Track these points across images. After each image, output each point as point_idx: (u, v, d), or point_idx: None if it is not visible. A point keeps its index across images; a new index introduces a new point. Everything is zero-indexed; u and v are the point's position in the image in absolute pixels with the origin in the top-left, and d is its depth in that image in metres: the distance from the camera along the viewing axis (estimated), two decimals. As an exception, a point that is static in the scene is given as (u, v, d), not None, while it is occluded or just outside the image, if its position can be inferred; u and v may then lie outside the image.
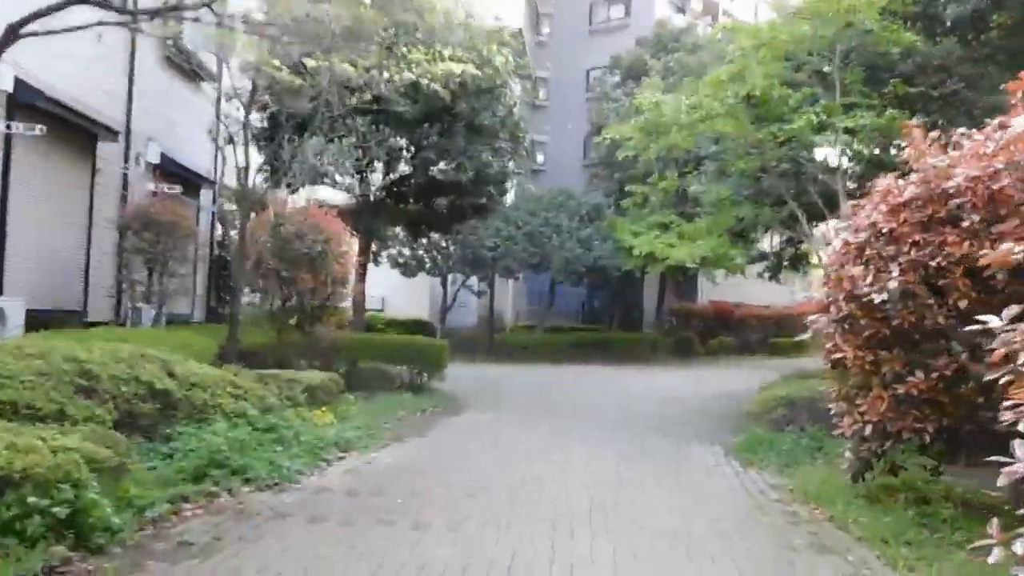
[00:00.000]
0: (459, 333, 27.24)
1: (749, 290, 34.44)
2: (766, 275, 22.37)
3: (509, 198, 26.53)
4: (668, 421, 13.15)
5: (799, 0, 12.90)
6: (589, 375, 21.89)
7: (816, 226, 15.21)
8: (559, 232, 25.66)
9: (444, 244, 24.26)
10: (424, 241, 24.27)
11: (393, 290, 26.44)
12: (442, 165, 14.73)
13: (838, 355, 6.96)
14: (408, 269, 24.31)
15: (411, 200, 16.72)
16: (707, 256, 26.71)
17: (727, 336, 33.83)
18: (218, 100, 14.45)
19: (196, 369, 8.57)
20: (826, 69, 12.42)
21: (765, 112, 12.60)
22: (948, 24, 13.11)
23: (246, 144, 11.86)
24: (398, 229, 23.92)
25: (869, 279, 6.38)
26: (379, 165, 15.96)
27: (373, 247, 24.63)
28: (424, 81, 13.67)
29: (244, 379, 9.36)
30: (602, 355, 27.67)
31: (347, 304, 15.44)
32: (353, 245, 15.43)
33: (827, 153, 11.77)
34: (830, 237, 17.97)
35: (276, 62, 12.07)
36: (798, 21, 12.29)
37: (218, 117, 14.18)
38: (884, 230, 6.50)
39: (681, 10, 35.38)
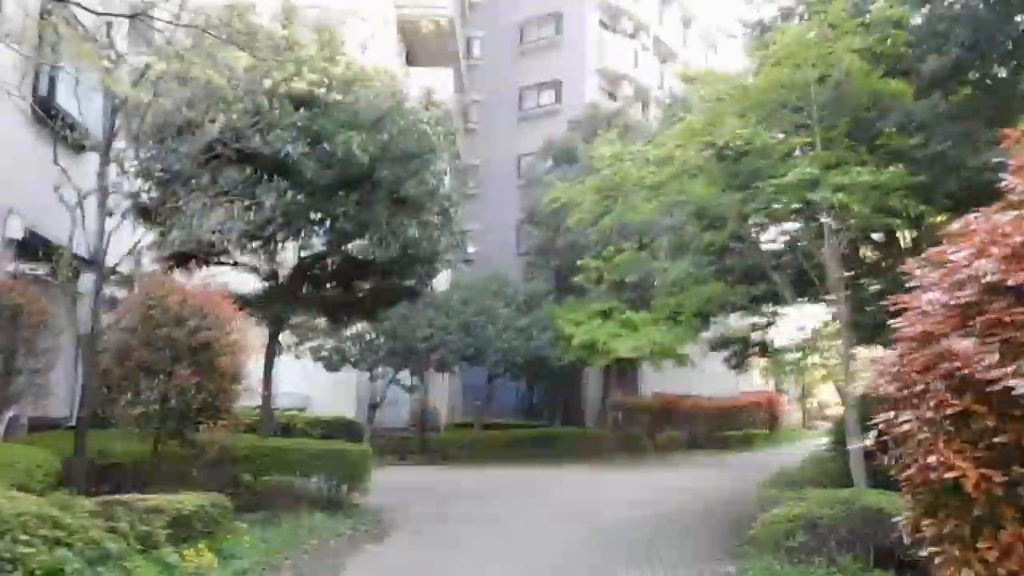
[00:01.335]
0: (389, 433, 24.44)
1: (693, 380, 32.53)
2: (728, 364, 20.18)
3: (442, 281, 24.33)
4: (640, 542, 10.62)
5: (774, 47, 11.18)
6: (533, 478, 19.28)
7: (799, 302, 13.29)
8: (495, 321, 23.39)
9: (371, 335, 21.74)
10: (350, 331, 21.72)
11: (318, 386, 23.57)
12: (361, 241, 12.33)
13: (941, 473, 4.41)
14: (331, 362, 21.61)
15: (329, 283, 14.29)
16: (653, 348, 25.01)
17: (674, 430, 31.68)
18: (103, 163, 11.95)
19: (-7, 503, 5.87)
20: (807, 121, 10.65)
21: (745, 166, 10.70)
22: (927, 78, 11.58)
23: (102, 207, 9.39)
24: (320, 319, 21.44)
25: (992, 357, 4.06)
26: (290, 244, 13.56)
27: (294, 339, 22.04)
28: (339, 137, 11.44)
29: (77, 513, 6.63)
30: (545, 453, 25.13)
31: (250, 403, 12.77)
32: (257, 333, 12.86)
33: (822, 215, 9.83)
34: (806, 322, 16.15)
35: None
36: (769, 69, 10.59)
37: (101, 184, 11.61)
38: (1009, 283, 4.16)
39: (612, 96, 34.40)
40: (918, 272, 4.87)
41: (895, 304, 4.83)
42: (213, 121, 10.64)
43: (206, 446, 10.24)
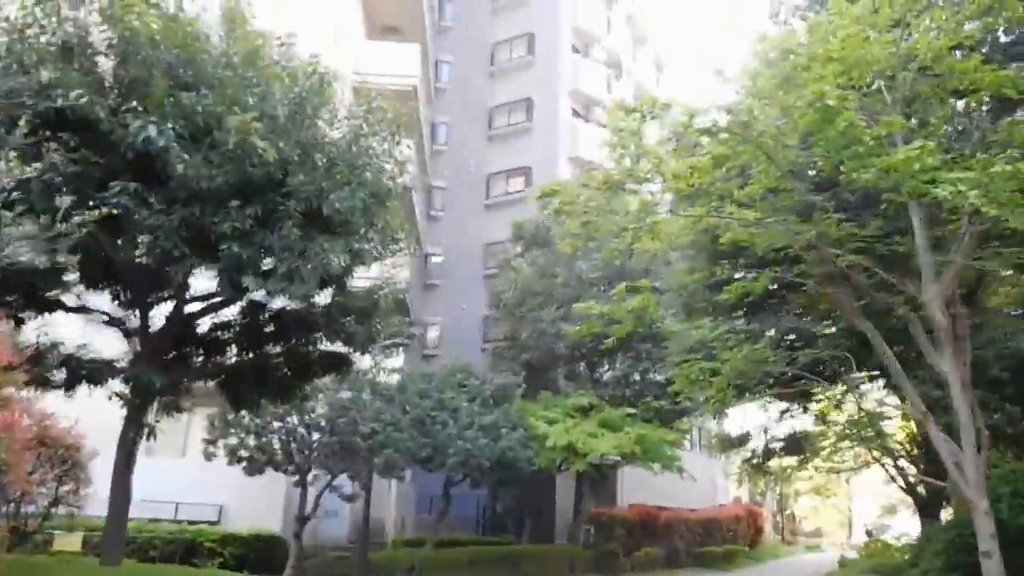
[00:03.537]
0: (324, 551, 19.46)
1: (671, 489, 27.96)
2: (744, 473, 15.79)
3: (395, 367, 19.90)
4: None
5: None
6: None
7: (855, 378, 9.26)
8: (457, 417, 18.91)
9: (304, 430, 17.12)
10: (278, 426, 17.10)
11: (237, 495, 18.69)
12: (261, 280, 8.10)
13: None
14: (253, 464, 16.85)
15: (228, 344, 9.98)
16: (637, 448, 20.68)
17: (652, 546, 26.90)
18: None
19: None
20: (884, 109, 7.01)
21: (829, 147, 6.90)
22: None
23: None
24: (244, 413, 16.84)
25: None
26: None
27: (207, 434, 17.31)
28: (232, 121, 7.43)
29: None
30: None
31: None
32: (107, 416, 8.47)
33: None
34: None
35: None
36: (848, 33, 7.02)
37: None
38: None
39: (585, 185, 31.04)
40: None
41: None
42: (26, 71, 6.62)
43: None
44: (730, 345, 9.44)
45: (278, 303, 9.11)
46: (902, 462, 20.68)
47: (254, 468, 16.85)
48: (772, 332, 9.20)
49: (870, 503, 49.34)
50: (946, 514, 25.03)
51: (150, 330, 9.13)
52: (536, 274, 24.07)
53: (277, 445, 17.03)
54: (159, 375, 8.57)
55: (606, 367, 24.68)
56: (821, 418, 12.81)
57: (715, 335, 9.63)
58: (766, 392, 10.36)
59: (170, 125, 7.39)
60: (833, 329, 9.56)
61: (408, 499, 24.77)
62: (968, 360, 7.09)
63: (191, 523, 17.96)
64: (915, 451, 19.88)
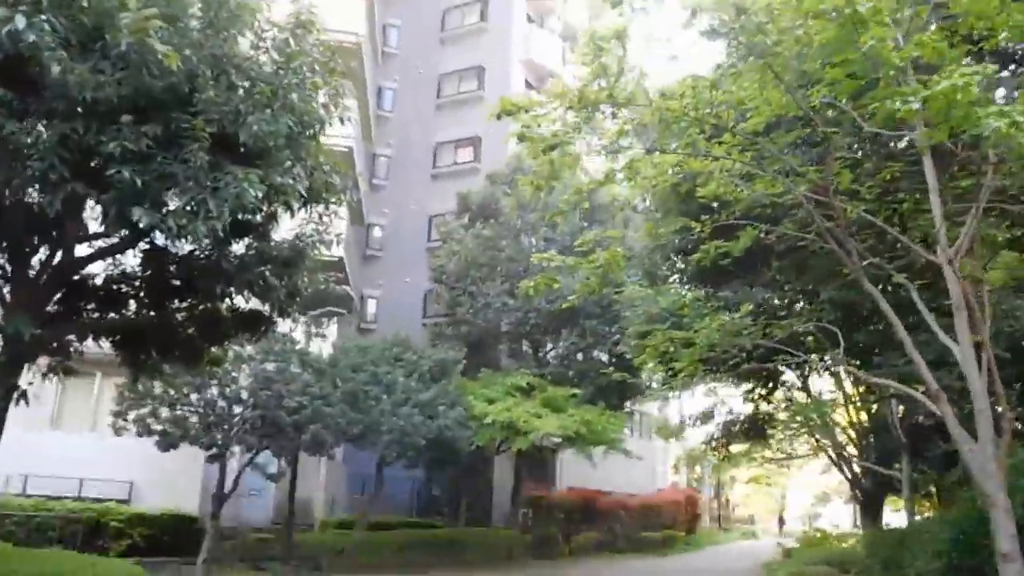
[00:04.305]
0: (246, 532, 18.07)
1: (611, 473, 27.20)
2: (710, 448, 14.85)
3: (326, 345, 18.54)
4: None
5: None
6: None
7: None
8: (392, 393, 17.67)
9: (224, 403, 15.66)
10: (195, 396, 15.61)
11: (150, 471, 17.12)
12: (158, 215, 6.71)
13: None
14: (166, 438, 15.32)
15: (127, 298, 8.55)
16: (581, 430, 19.75)
17: (592, 530, 26.15)
18: None
19: None
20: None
21: (850, 69, 5.78)
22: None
23: None
24: (156, 384, 15.28)
25: None
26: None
27: (117, 406, 15.72)
28: (124, 20, 6.07)
29: None
30: (446, 562, 19.25)
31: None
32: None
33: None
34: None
35: None
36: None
37: None
38: None
39: (552, 102, 29.83)
40: None
41: None
42: None
43: None
44: (703, 313, 8.39)
45: (186, 250, 7.74)
46: (848, 451, 20.18)
47: (168, 442, 15.34)
48: (748, 304, 8.20)
49: (802, 492, 49.72)
50: (890, 506, 24.81)
51: (31, 275, 7.68)
52: (481, 246, 22.85)
53: (194, 418, 15.56)
54: (29, 326, 7.13)
55: (550, 346, 23.70)
56: (788, 400, 11.99)
57: (684, 301, 8.55)
58: (738, 369, 9.33)
59: (44, 17, 5.97)
60: (809, 305, 8.60)
61: (339, 479, 23.43)
62: (987, 334, 6.19)
63: (97, 501, 16.37)
64: (862, 441, 19.39)
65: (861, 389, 16.84)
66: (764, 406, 12.14)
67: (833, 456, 20.03)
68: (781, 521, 50.91)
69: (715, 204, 7.98)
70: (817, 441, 20.05)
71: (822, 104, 6.33)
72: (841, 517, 46.62)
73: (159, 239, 7.57)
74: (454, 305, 23.25)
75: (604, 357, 22.44)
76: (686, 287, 9.16)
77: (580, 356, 23.13)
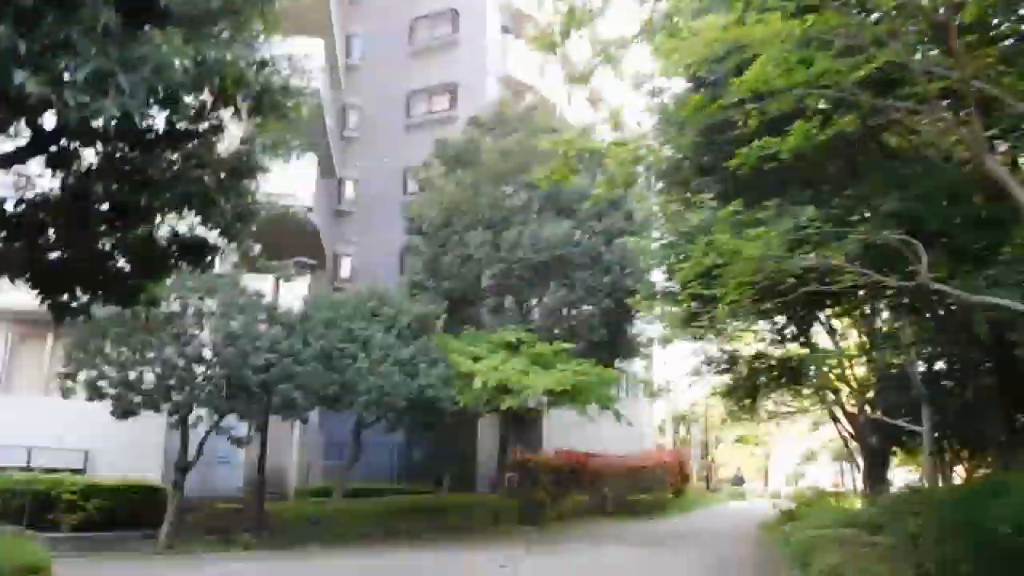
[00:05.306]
0: (213, 504, 16.70)
1: (599, 434, 26.10)
2: (731, 399, 13.61)
3: (296, 301, 17.07)
4: None
5: None
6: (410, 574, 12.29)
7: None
8: (369, 350, 16.32)
9: (183, 362, 14.20)
10: (151, 355, 14.14)
11: (107, 439, 15.67)
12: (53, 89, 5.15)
13: None
14: (120, 402, 13.87)
15: (47, 228, 7.07)
16: (575, 386, 18.55)
17: (580, 494, 25.13)
18: None
19: None
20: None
21: None
22: None
23: None
24: (107, 341, 13.78)
25: None
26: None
27: (64, 367, 14.23)
28: None
29: None
30: (428, 528, 18.07)
31: None
32: None
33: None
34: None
35: None
36: None
37: None
38: None
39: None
40: None
41: None
42: None
43: None
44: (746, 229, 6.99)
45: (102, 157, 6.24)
46: (851, 405, 19.27)
47: (122, 407, 13.92)
48: (812, 210, 6.80)
49: (787, 452, 49.28)
50: (896, 464, 24.03)
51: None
52: (461, 193, 21.38)
53: (152, 380, 14.11)
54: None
55: (535, 301, 22.39)
56: (832, 336, 10.77)
57: (725, 214, 7.12)
58: (789, 296, 7.99)
59: None
60: (865, 219, 7.21)
61: (314, 444, 22.11)
62: None
63: (48, 471, 14.93)
64: (869, 394, 18.45)
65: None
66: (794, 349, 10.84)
67: (842, 411, 19.09)
68: (765, 480, 50.53)
69: (748, 104, 6.61)
70: (822, 396, 19.10)
71: None
72: (824, 477, 46.19)
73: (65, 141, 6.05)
74: (434, 257, 21.81)
75: (595, 309, 21.20)
76: (718, 201, 7.74)
77: (568, 311, 21.89)
